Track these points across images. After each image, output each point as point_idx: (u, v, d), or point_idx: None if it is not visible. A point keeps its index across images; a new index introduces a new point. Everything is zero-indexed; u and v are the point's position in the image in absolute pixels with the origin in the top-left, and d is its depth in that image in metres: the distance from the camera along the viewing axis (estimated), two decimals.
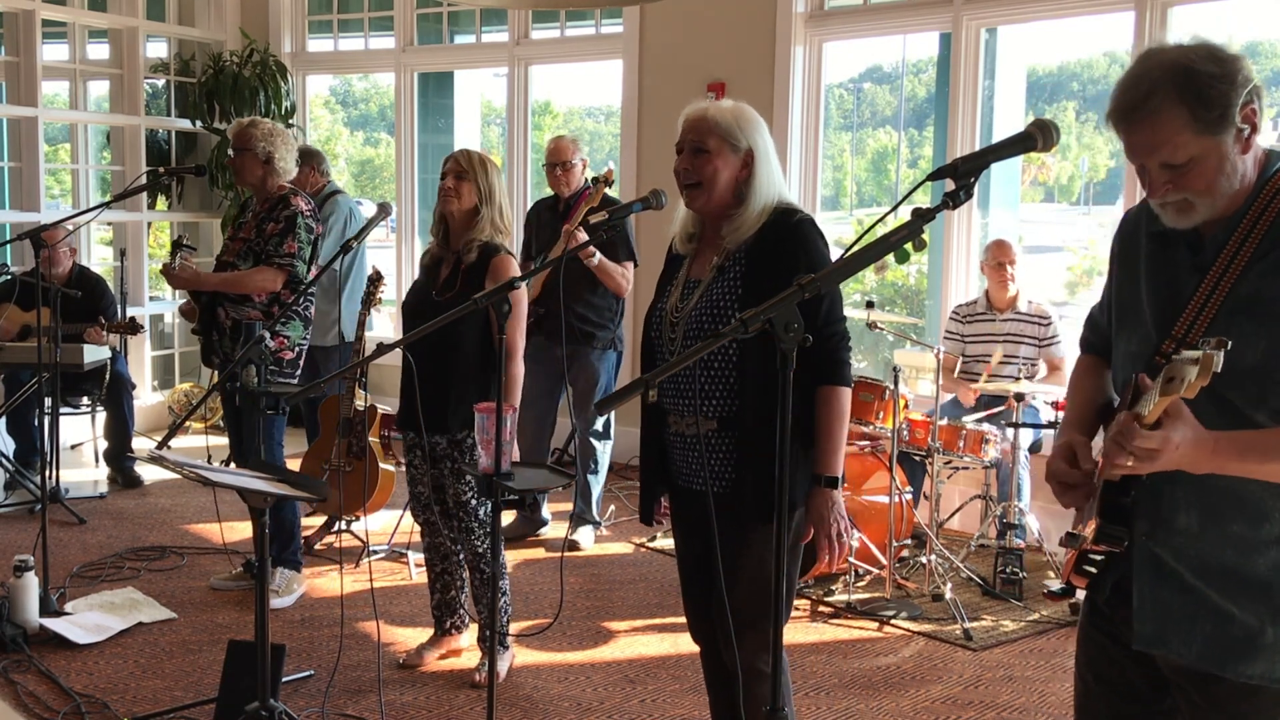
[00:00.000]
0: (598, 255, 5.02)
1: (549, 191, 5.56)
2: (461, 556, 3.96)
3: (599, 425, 5.40)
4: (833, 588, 4.81)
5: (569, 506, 5.57)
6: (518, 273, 3.74)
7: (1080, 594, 2.08)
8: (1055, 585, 2.12)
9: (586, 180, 5.34)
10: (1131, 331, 1.98)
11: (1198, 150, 1.76)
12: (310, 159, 6.16)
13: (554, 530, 5.63)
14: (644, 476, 2.84)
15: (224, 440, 7.07)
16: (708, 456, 2.65)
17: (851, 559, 4.67)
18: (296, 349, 4.54)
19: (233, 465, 4.52)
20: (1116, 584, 1.97)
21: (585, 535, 5.46)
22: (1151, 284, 1.93)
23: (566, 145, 5.36)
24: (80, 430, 6.98)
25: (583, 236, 4.89)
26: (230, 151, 4.56)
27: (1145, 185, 1.84)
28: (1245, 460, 1.74)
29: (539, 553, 5.39)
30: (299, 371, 4.58)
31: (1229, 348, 1.51)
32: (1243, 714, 1.87)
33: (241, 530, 5.26)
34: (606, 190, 5.23)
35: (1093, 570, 1.98)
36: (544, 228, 5.37)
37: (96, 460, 6.72)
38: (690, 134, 2.69)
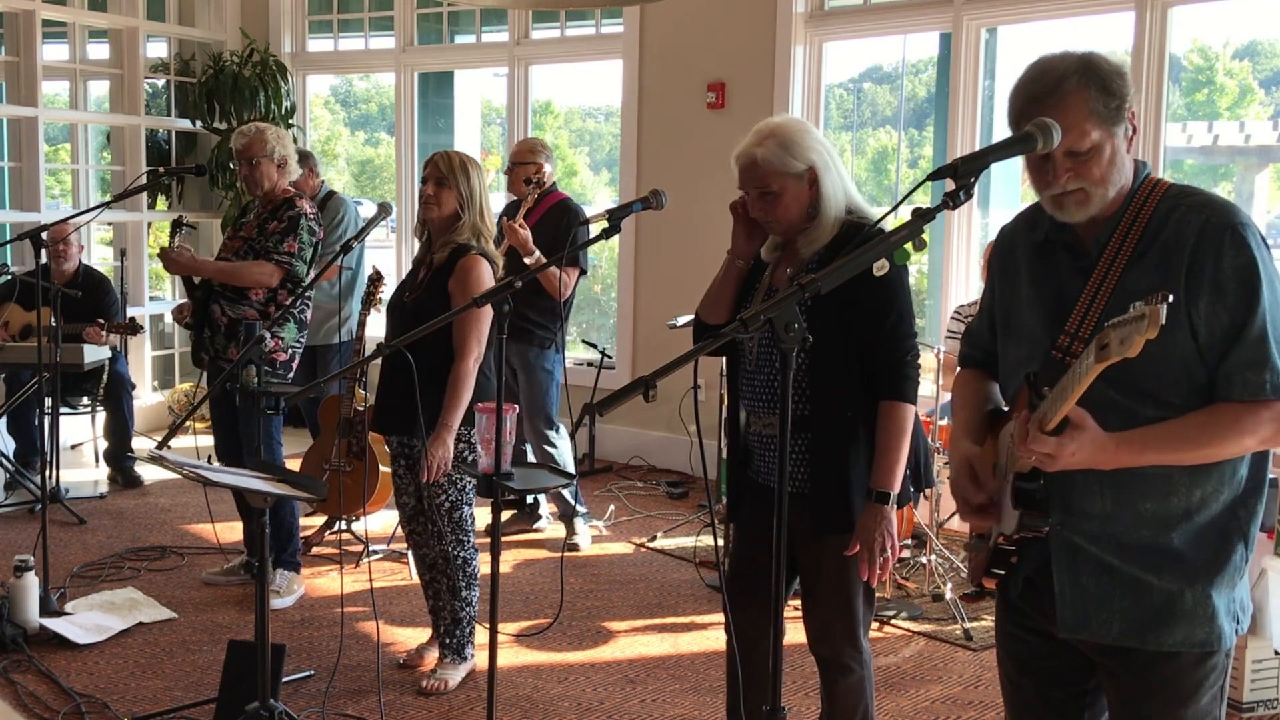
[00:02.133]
0: (536, 252, 4.98)
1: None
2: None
3: (543, 427, 5.27)
4: None
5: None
6: (485, 272, 3.70)
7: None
8: (968, 589, 2.19)
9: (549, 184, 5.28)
10: (1019, 339, 2.07)
11: (1099, 138, 1.88)
12: (307, 160, 6.17)
13: (554, 530, 5.63)
14: (731, 475, 2.88)
15: None
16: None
17: None
18: (290, 351, 4.54)
19: (215, 462, 4.50)
20: (1028, 579, 2.05)
21: (582, 533, 5.44)
22: (1037, 291, 2.04)
23: (521, 150, 5.36)
24: (80, 430, 6.98)
25: (521, 232, 4.90)
26: (245, 163, 4.50)
27: (1048, 176, 1.91)
28: (1147, 453, 1.85)
29: (539, 553, 5.39)
30: (292, 373, 4.58)
31: (1171, 300, 1.56)
32: (1163, 679, 1.96)
33: (238, 530, 5.25)
34: (540, 191, 5.17)
35: (1001, 572, 2.06)
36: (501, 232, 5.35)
37: (96, 460, 6.72)
38: (749, 182, 2.69)
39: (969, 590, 1.99)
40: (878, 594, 4.71)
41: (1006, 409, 2.16)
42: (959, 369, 2.35)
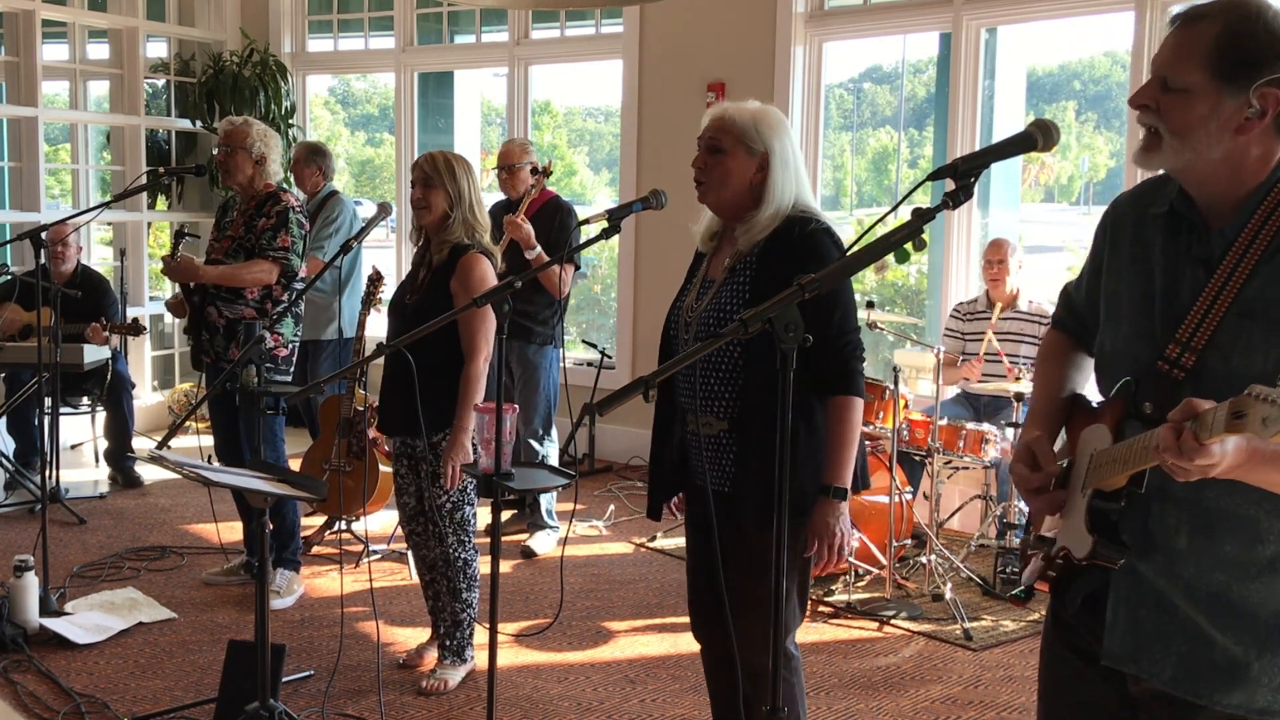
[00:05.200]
0: (538, 248, 4.99)
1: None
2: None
3: (538, 427, 5.27)
4: (833, 588, 4.81)
5: (569, 506, 5.56)
6: (487, 270, 3.70)
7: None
8: (1017, 590, 2.05)
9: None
10: (1121, 329, 1.86)
11: (1197, 85, 1.69)
12: (320, 158, 6.17)
13: (547, 537, 5.61)
14: (654, 473, 2.86)
15: None
16: (718, 457, 2.67)
17: (851, 559, 4.67)
18: (289, 346, 4.57)
19: (215, 462, 4.51)
20: (1088, 597, 1.86)
21: (539, 540, 5.36)
22: (1148, 275, 1.82)
23: (513, 150, 5.38)
24: (80, 430, 6.98)
25: (524, 226, 4.93)
26: (221, 148, 4.54)
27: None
28: (1272, 468, 1.58)
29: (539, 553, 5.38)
30: (292, 368, 4.61)
31: None
32: None
33: (240, 530, 5.25)
34: (545, 183, 5.23)
35: (1053, 574, 1.89)
36: (498, 229, 5.35)
37: (96, 460, 6.72)
38: (708, 131, 2.69)
39: (1016, 592, 1.85)
40: (878, 594, 4.73)
41: (1094, 405, 1.94)
42: (1049, 330, 2.18)
